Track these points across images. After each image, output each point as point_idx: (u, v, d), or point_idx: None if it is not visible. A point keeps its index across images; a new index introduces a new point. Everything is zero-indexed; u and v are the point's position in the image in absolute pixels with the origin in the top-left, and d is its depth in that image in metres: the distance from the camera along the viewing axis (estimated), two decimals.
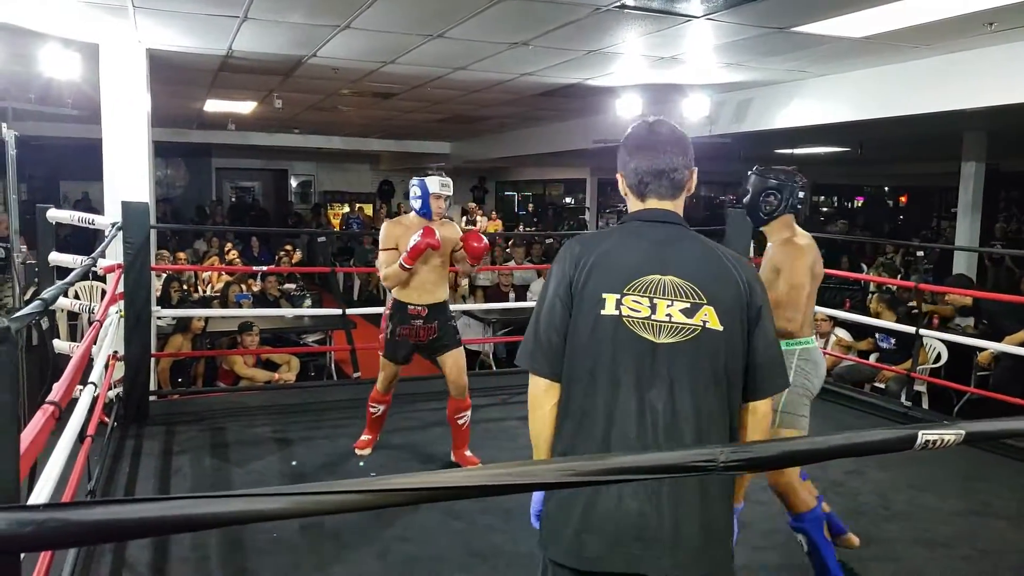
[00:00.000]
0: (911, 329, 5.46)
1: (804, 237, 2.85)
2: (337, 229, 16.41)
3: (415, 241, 3.60)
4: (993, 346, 5.54)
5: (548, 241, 10.87)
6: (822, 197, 19.90)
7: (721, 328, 1.51)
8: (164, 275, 7.24)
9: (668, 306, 1.50)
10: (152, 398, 4.98)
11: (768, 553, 3.11)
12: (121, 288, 4.53)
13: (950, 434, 1.03)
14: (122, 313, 4.57)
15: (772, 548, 3.14)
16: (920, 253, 6.68)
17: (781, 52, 5.74)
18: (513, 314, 7.50)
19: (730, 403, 1.54)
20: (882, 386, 6.19)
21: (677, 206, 1.67)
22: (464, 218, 14.98)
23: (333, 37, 5.45)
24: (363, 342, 6.35)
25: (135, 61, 5.63)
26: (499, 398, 5.32)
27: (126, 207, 4.62)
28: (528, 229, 15.62)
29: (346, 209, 17.91)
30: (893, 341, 6.36)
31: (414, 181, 3.84)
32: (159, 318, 5.84)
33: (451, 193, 3.87)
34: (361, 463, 4.03)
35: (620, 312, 1.51)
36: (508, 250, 10.33)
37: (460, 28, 5.11)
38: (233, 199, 17.61)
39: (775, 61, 6.09)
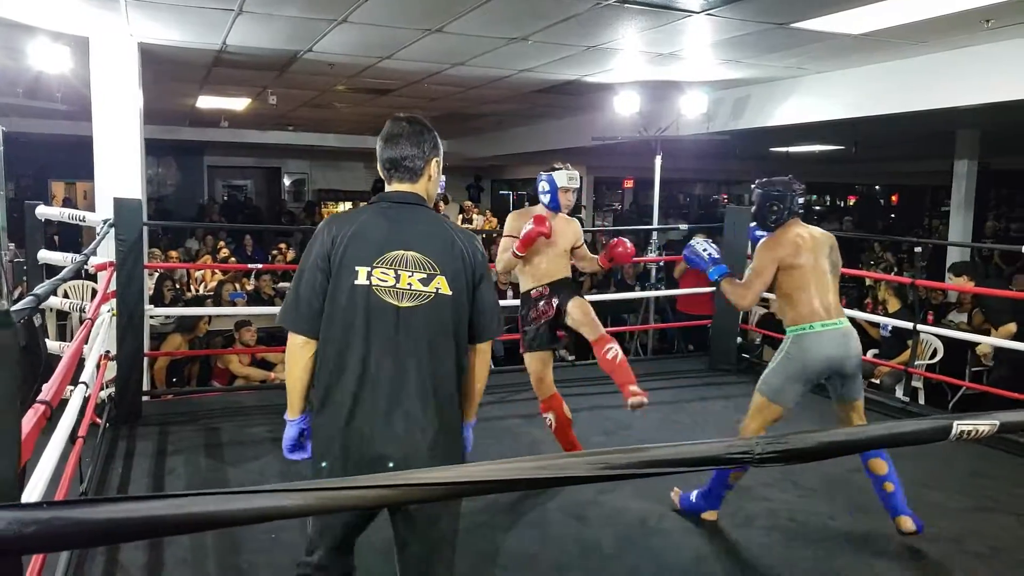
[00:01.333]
0: (909, 325, 5.46)
1: (798, 233, 3.14)
2: None
3: (527, 229, 3.60)
4: (988, 340, 5.53)
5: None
6: (814, 196, 19.95)
7: (450, 293, 1.92)
8: (156, 274, 7.16)
9: (409, 276, 1.89)
10: (145, 398, 4.90)
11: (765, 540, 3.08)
12: (113, 286, 4.46)
13: (984, 424, 1.01)
14: (114, 312, 4.49)
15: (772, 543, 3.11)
16: (918, 249, 6.67)
17: (779, 49, 5.71)
18: (512, 311, 7.43)
19: (458, 348, 1.96)
20: (877, 381, 6.17)
21: (417, 188, 2.03)
22: (460, 216, 14.94)
23: (330, 31, 5.39)
24: None
25: (126, 55, 5.55)
26: (499, 396, 5.27)
27: (118, 203, 4.55)
28: None
29: (341, 207, 17.82)
30: (890, 328, 6.36)
31: (541, 175, 3.83)
32: (152, 317, 5.76)
33: (578, 186, 3.86)
34: None
35: (371, 282, 1.87)
36: None
37: (459, 22, 5.06)
38: (225, 197, 17.49)
39: (773, 58, 6.06)
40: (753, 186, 3.28)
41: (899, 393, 5.73)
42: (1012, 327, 5.64)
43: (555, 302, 3.77)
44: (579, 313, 3.71)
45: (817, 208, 19.65)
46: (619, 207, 18.96)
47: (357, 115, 10.11)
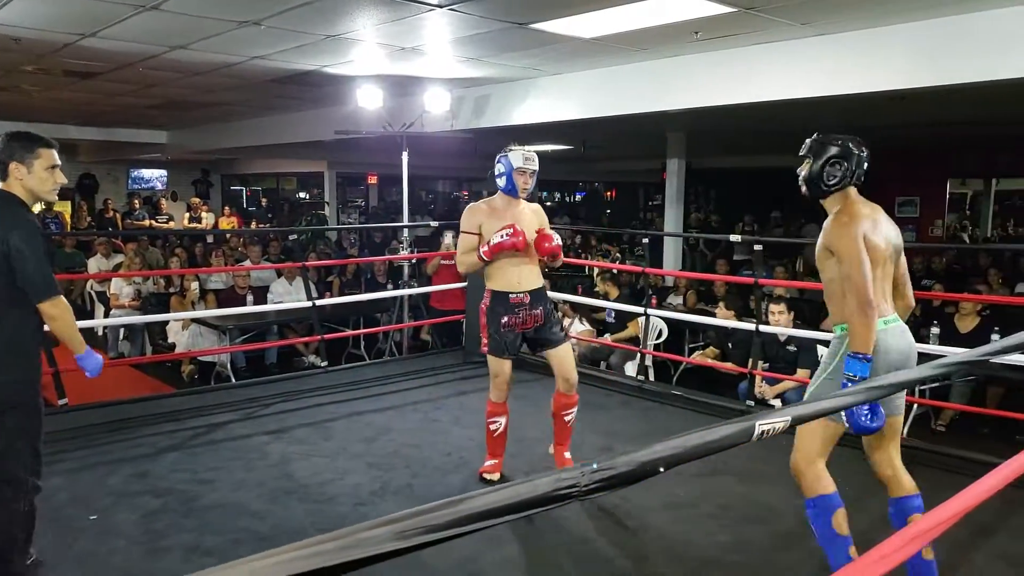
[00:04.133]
0: (640, 309, 5.94)
1: (863, 206, 2.61)
2: None
3: (501, 239, 3.37)
4: (711, 321, 6.16)
5: (293, 238, 10.29)
6: (544, 193, 21.29)
7: None
8: None
9: None
10: None
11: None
12: None
13: (779, 421, 1.04)
14: None
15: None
16: (646, 240, 7.33)
17: (518, 48, 5.89)
18: (252, 319, 6.94)
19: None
20: (607, 363, 6.68)
21: (9, 185, 2.60)
22: (188, 214, 13.72)
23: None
24: (68, 363, 5.32)
25: None
26: (244, 412, 4.85)
27: None
28: (262, 225, 14.73)
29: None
30: (614, 315, 6.94)
31: (498, 157, 3.51)
32: None
33: (536, 167, 3.54)
34: (93, 516, 3.35)
35: None
36: (242, 249, 9.59)
37: (179, 0, 4.55)
38: None
39: (512, 58, 6.24)
40: (810, 140, 2.69)
41: (630, 371, 6.22)
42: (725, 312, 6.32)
43: (539, 317, 3.62)
44: (566, 366, 3.67)
45: (549, 204, 20.98)
46: (364, 203, 18.70)
47: (54, 101, 8.78)
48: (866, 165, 2.61)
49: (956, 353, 2.97)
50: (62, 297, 2.64)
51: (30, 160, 2.58)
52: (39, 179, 2.60)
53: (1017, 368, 4.47)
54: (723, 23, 4.92)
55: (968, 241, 13.79)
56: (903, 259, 2.69)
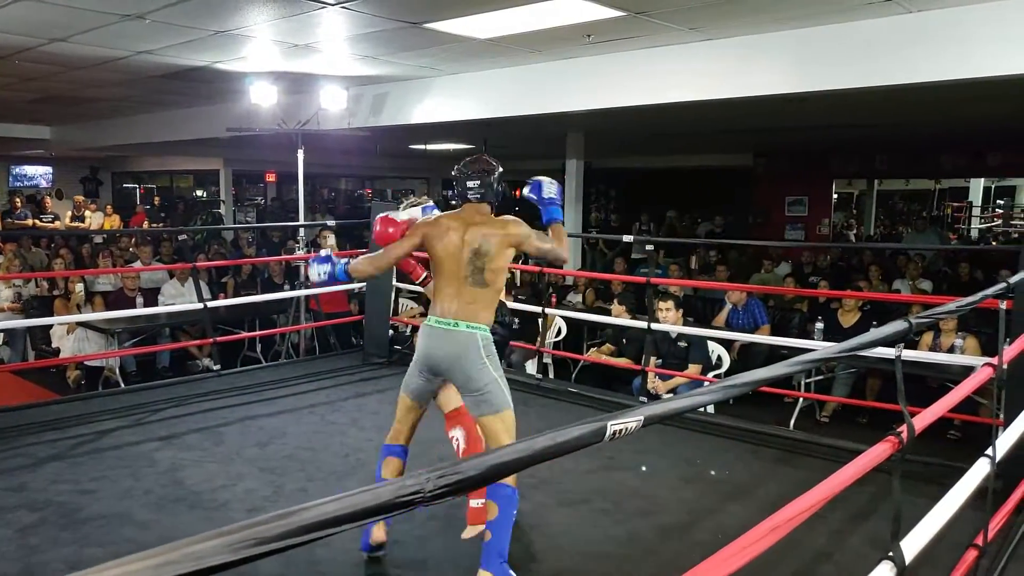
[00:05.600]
0: (538, 308, 6.06)
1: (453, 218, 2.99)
2: None
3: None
4: (606, 320, 6.32)
5: (182, 238, 9.93)
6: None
7: None
8: None
9: None
10: None
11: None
12: None
13: (632, 421, 1.10)
14: None
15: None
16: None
17: (414, 48, 5.90)
18: (142, 321, 6.69)
19: None
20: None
21: None
22: (71, 214, 13.05)
23: None
24: None
25: None
26: (133, 418, 4.69)
27: None
28: (155, 225, 14.13)
29: None
30: (518, 321, 7.03)
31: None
32: None
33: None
34: None
35: None
36: (133, 249, 9.20)
37: None
38: None
39: (408, 56, 6.24)
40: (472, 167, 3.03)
41: (530, 369, 6.34)
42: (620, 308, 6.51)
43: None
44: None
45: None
46: (262, 201, 18.20)
47: None
48: (465, 186, 2.98)
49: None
50: None
51: None
52: None
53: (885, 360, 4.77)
54: (613, 27, 5.08)
55: (854, 239, 14.63)
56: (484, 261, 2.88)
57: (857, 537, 3.29)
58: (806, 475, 3.97)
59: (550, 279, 7.45)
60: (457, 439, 3.33)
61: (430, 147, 13.09)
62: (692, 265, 9.81)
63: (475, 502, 3.16)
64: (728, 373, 5.60)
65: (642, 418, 1.16)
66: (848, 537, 3.29)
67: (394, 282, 6.32)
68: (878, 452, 1.76)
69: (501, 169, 3.07)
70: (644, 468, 4.03)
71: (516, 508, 2.81)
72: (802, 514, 1.48)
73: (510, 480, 2.75)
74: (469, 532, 3.15)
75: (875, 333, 2.03)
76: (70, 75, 7.06)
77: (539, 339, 6.05)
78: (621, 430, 1.11)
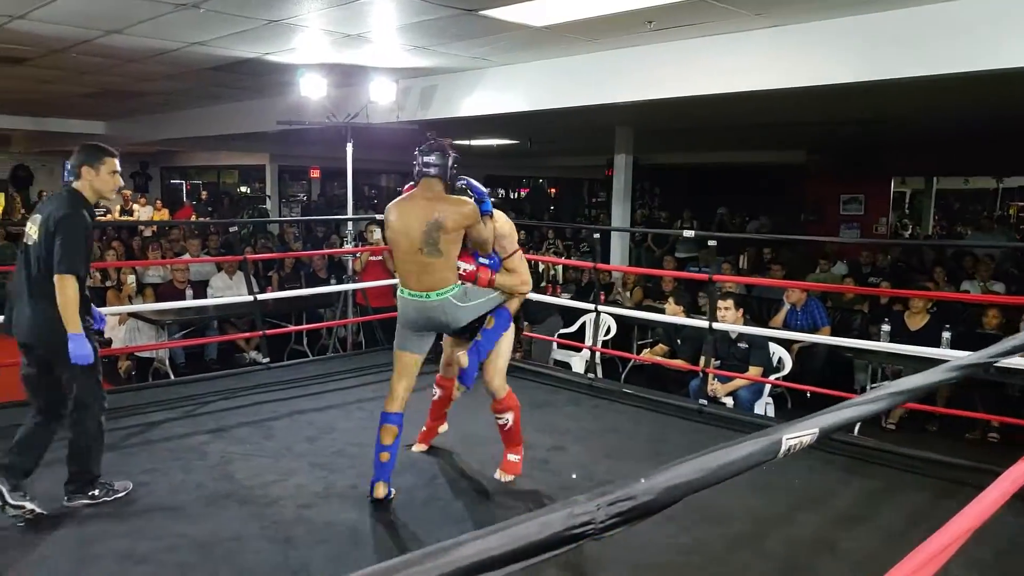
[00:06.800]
0: (591, 306, 5.90)
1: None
2: None
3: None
4: (662, 318, 6.11)
5: (233, 230, 9.99)
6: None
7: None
8: None
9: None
10: None
11: None
12: None
13: (807, 434, 1.02)
14: None
15: None
16: (597, 236, 7.32)
17: (466, 37, 5.79)
18: (192, 313, 6.70)
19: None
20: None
21: (80, 185, 3.15)
22: (118, 208, 13.29)
23: None
24: (5, 359, 4.73)
25: None
26: (183, 410, 4.66)
27: None
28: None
29: None
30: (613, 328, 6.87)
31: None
32: None
33: None
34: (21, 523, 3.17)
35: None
36: (182, 242, 9.27)
37: None
38: None
39: (460, 47, 6.14)
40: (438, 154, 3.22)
41: (577, 367, 6.20)
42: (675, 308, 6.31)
43: None
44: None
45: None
46: (306, 197, 18.31)
47: None
48: (423, 162, 3.20)
49: (961, 356, 3.00)
50: (74, 278, 3.00)
51: (98, 165, 3.15)
52: (104, 181, 3.18)
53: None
54: (677, 12, 4.90)
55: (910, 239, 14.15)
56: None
57: (864, 528, 3.14)
58: (878, 485, 3.79)
59: (594, 276, 7.29)
60: (507, 420, 3.61)
61: (475, 143, 12.99)
62: (740, 264, 9.57)
63: (512, 456, 3.62)
64: (788, 376, 5.39)
65: (817, 430, 1.05)
66: (855, 527, 3.18)
67: None
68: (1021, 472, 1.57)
69: (457, 155, 3.28)
70: None
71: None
72: (948, 548, 1.32)
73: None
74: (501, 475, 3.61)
75: None
76: (124, 68, 7.11)
77: (590, 337, 5.91)
78: (796, 444, 1.00)
